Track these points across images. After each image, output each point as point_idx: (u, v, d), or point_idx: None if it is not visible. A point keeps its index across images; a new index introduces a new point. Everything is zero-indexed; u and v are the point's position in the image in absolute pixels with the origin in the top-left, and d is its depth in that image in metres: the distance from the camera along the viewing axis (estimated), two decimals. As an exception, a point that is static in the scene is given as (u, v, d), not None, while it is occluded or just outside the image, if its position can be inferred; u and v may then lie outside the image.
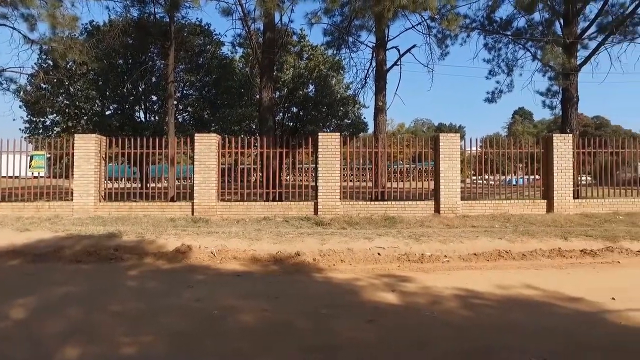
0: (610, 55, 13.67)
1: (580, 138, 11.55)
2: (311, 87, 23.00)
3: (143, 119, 19.17)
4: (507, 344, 3.46)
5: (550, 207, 10.55)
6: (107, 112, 18.85)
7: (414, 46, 14.75)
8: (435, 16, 13.20)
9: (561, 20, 13.61)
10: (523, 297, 4.76)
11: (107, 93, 18.23)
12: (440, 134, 10.68)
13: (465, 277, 5.64)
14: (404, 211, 10.22)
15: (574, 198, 10.77)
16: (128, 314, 4.15)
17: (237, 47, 20.11)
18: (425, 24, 14.73)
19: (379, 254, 6.87)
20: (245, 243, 7.23)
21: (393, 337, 3.63)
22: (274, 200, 10.71)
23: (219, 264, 6.41)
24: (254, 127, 22.29)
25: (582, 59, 13.50)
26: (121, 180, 11.84)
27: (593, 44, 13.81)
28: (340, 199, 10.30)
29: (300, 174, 15.39)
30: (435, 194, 10.57)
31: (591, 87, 74.55)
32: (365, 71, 16.85)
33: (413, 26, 14.62)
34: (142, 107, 19.19)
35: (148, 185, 12.59)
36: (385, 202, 10.48)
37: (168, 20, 14.33)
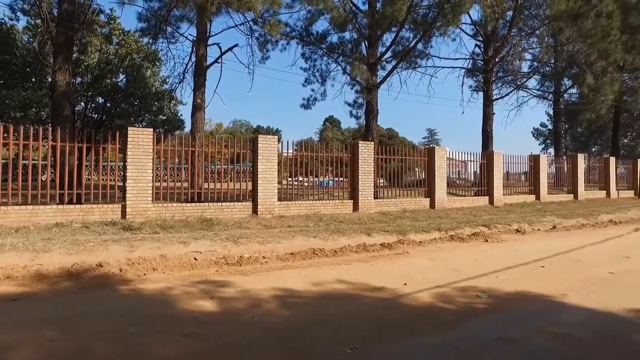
0: (400, 78, 16.32)
1: (379, 146, 13.30)
2: (122, 76, 20.58)
3: None
4: (324, 338, 3.61)
5: (356, 207, 11.81)
6: None
7: (236, 45, 14.63)
8: (259, 19, 13.40)
9: (366, 42, 15.52)
10: (336, 291, 5.10)
11: None
12: (259, 136, 10.79)
13: (283, 277, 5.75)
14: (222, 212, 9.97)
15: (375, 198, 12.31)
16: None
17: (19, 13, 16.48)
18: (249, 25, 14.82)
19: (195, 259, 6.47)
20: (27, 257, 5.84)
21: (212, 347, 3.38)
22: (71, 202, 9.05)
23: (-14, 285, 5.01)
24: (45, 115, 18.67)
25: (381, 78, 15.67)
26: None
27: (389, 67, 16.24)
28: (152, 200, 9.39)
29: (105, 173, 13.51)
30: (253, 195, 10.62)
31: (387, 102, 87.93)
32: (185, 65, 15.98)
33: (236, 25, 14.55)
34: None
35: None
36: (202, 204, 10.01)
37: None
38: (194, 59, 14.26)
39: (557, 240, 9.47)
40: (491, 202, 15.07)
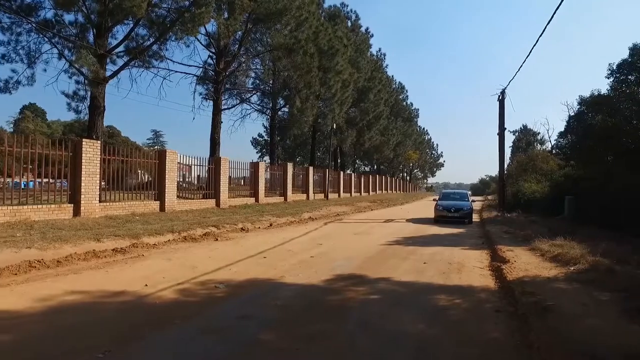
0: (131, 76, 15.50)
1: (104, 146, 12.20)
2: None
3: None
4: (70, 350, 3.40)
5: (77, 211, 10.53)
6: None
7: None
8: None
9: (94, 30, 13.99)
10: (70, 303, 4.69)
11: None
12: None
13: (-8, 298, 4.80)
14: None
15: (100, 202, 11.30)
16: None
17: None
18: None
19: None
20: None
21: None
22: None
23: None
24: None
25: (111, 73, 14.48)
26: None
27: (121, 62, 15.16)
28: None
29: None
30: None
31: (113, 99, 79.61)
32: None
33: None
34: None
35: None
36: None
37: None
38: None
39: (274, 235, 11.29)
40: (218, 204, 16.24)
